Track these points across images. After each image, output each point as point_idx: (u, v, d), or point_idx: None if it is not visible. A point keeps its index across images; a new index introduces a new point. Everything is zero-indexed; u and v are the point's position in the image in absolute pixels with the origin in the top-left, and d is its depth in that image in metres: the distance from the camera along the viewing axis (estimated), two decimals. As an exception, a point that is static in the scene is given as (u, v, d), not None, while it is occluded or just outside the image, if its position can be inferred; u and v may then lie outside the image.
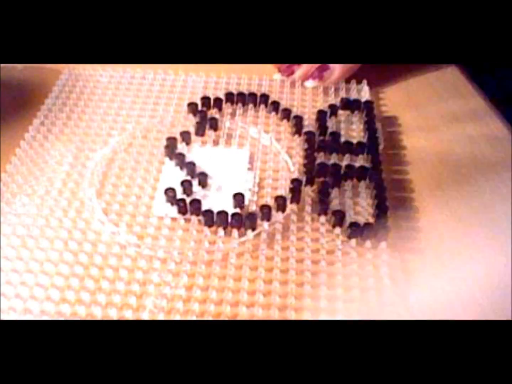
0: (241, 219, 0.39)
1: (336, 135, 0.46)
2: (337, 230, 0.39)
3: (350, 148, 0.45)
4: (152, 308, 0.35)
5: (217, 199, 0.42)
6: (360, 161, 0.45)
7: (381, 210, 0.40)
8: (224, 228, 0.39)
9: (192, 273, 0.37)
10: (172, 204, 0.41)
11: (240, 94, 0.50)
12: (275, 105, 0.50)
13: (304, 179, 0.42)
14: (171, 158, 0.45)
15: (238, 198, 0.40)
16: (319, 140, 0.46)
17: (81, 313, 0.34)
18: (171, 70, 0.54)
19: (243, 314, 0.35)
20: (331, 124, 0.48)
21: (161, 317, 0.34)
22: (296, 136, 0.48)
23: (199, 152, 0.46)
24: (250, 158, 0.45)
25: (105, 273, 0.36)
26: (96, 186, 0.42)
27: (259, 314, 0.35)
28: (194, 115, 0.49)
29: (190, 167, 0.43)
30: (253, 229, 0.39)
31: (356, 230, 0.39)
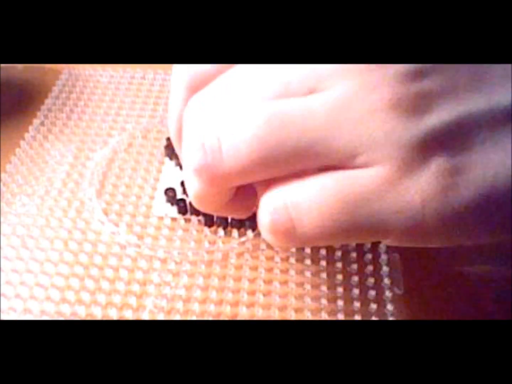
0: (241, 219, 0.39)
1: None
2: (337, 230, 0.39)
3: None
4: (152, 308, 0.35)
5: (217, 199, 0.42)
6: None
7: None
8: (224, 228, 0.39)
9: (192, 273, 0.37)
10: (172, 204, 0.41)
11: (240, 94, 0.50)
12: (275, 105, 0.50)
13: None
14: (171, 158, 0.45)
15: None
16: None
17: (81, 313, 0.34)
18: (171, 70, 0.54)
19: (243, 314, 0.35)
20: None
21: (161, 317, 0.34)
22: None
23: (199, 152, 0.46)
24: (250, 158, 0.45)
25: (105, 273, 0.36)
26: (96, 186, 0.42)
27: (259, 314, 0.35)
28: (194, 115, 0.49)
29: (190, 167, 0.43)
30: (253, 229, 0.39)
31: (356, 230, 0.39)
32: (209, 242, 0.39)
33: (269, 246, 0.38)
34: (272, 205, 0.26)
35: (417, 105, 0.24)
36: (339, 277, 0.36)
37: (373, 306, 0.35)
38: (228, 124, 0.27)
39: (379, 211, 0.24)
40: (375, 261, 0.38)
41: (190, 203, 0.40)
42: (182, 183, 0.41)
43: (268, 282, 0.36)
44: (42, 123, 0.48)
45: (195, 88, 0.32)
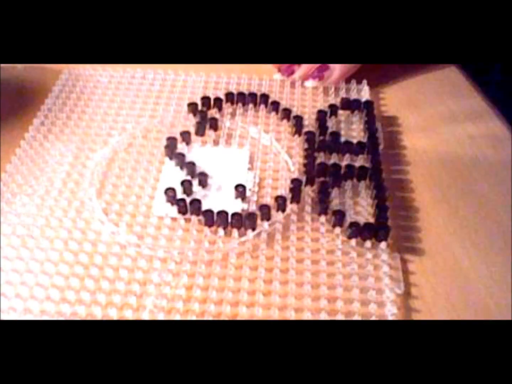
0: (241, 219, 0.39)
1: (336, 135, 0.46)
2: (337, 230, 0.39)
3: (350, 148, 0.45)
4: (152, 308, 0.35)
5: (217, 199, 0.42)
6: (360, 161, 0.45)
7: (381, 210, 0.40)
8: (224, 228, 0.39)
9: (192, 273, 0.37)
10: (172, 204, 0.41)
11: (240, 94, 0.50)
12: (275, 105, 0.50)
13: (304, 179, 0.42)
14: (171, 158, 0.45)
15: (240, 189, 0.41)
16: (319, 140, 0.46)
17: (81, 313, 0.34)
18: (171, 70, 0.54)
19: (243, 314, 0.35)
20: (331, 124, 0.48)
21: (161, 317, 0.34)
22: (296, 136, 0.48)
23: (199, 152, 0.46)
24: (250, 158, 0.45)
25: (105, 273, 0.36)
26: (96, 186, 0.42)
27: (259, 314, 0.35)
28: (194, 115, 0.49)
29: (190, 167, 0.43)
30: (253, 229, 0.39)
31: (356, 230, 0.39)
32: (209, 242, 0.39)
33: (269, 246, 0.38)
34: None
35: None
36: (339, 277, 0.36)
37: (373, 306, 0.35)
38: None
39: None
40: (375, 261, 0.38)
41: (190, 203, 0.40)
42: (182, 183, 0.41)
43: (268, 282, 0.36)
44: (42, 123, 0.48)
45: None
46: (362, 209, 0.41)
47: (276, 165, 0.45)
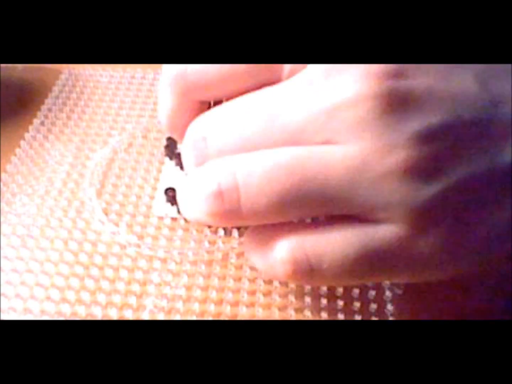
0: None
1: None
2: (337, 230, 0.39)
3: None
4: (152, 308, 0.35)
5: (217, 199, 0.42)
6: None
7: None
8: (224, 228, 0.39)
9: (192, 273, 0.37)
10: (172, 204, 0.41)
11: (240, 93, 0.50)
12: (275, 105, 0.50)
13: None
14: (171, 158, 0.45)
15: None
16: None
17: (81, 313, 0.34)
18: (171, 70, 0.54)
19: (243, 314, 0.35)
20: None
21: (161, 317, 0.34)
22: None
23: (199, 152, 0.46)
24: (250, 158, 0.45)
25: (105, 273, 0.36)
26: (96, 186, 0.42)
27: (259, 314, 0.35)
28: (195, 115, 0.49)
29: (190, 167, 0.43)
30: (253, 229, 0.39)
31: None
32: (209, 242, 0.39)
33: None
34: (292, 254, 0.28)
35: (429, 168, 0.25)
36: (339, 277, 0.36)
37: (373, 306, 0.35)
38: (245, 166, 0.27)
39: (394, 265, 0.27)
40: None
41: (190, 203, 0.40)
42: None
43: (268, 282, 0.36)
44: (42, 123, 0.48)
45: (189, 92, 0.33)
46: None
47: (276, 165, 0.45)
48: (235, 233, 0.39)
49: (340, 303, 0.35)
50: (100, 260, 0.37)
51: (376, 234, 0.27)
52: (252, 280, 0.36)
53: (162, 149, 0.45)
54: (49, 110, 0.49)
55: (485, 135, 0.26)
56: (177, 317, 0.34)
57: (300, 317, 0.35)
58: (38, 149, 0.45)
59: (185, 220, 0.40)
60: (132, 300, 0.35)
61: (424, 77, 0.28)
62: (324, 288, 0.36)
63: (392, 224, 0.26)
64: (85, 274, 0.36)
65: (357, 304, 0.35)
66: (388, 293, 0.36)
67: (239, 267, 0.37)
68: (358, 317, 0.34)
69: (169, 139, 0.45)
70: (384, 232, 0.26)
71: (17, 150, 0.45)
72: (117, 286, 0.36)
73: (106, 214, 0.40)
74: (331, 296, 0.35)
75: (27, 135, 0.46)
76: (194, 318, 0.34)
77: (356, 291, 0.36)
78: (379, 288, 0.36)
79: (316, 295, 0.35)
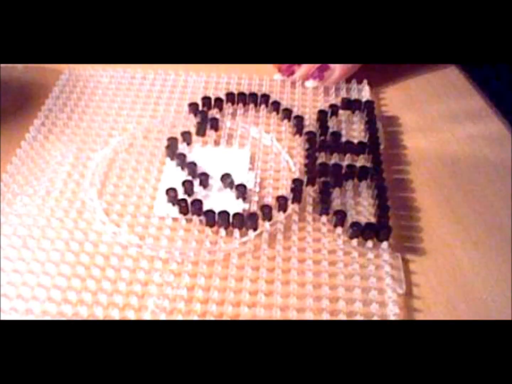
0: (243, 219, 0.39)
1: (337, 135, 0.46)
2: (339, 230, 0.39)
3: (351, 148, 0.45)
4: (154, 309, 0.35)
5: (218, 199, 0.42)
6: (361, 161, 0.45)
7: (382, 210, 0.40)
8: (226, 228, 0.39)
9: (194, 273, 0.37)
10: (173, 204, 0.41)
11: (241, 94, 0.50)
12: (276, 105, 0.50)
13: (305, 179, 0.42)
14: (172, 158, 0.45)
15: (240, 189, 0.41)
16: (320, 140, 0.46)
17: (83, 314, 0.34)
18: (172, 70, 0.54)
19: (245, 314, 0.35)
20: (332, 124, 0.48)
21: (163, 317, 0.34)
22: (297, 136, 0.48)
23: (200, 152, 0.46)
24: (251, 158, 0.45)
25: (106, 273, 0.36)
26: (97, 186, 0.42)
27: (261, 314, 0.35)
28: (195, 115, 0.49)
29: (191, 167, 0.43)
30: (255, 229, 0.39)
31: (358, 230, 0.39)
32: (211, 242, 0.39)
33: (271, 246, 0.38)
34: None
35: None
36: (341, 277, 0.36)
37: (375, 306, 0.35)
38: None
39: None
40: (377, 261, 0.38)
41: (192, 203, 0.40)
42: (183, 183, 0.41)
43: (270, 282, 0.36)
44: (43, 124, 0.48)
45: None
46: (363, 209, 0.41)
47: (277, 165, 0.45)
48: (236, 233, 0.39)
49: (342, 303, 0.35)
50: (101, 260, 0.37)
51: None
52: (254, 280, 0.36)
53: (163, 149, 0.45)
54: (50, 110, 0.49)
55: None
56: (179, 318, 0.34)
57: (301, 317, 0.35)
58: (39, 149, 0.45)
59: (186, 220, 0.40)
60: (134, 301, 0.35)
61: None
62: (326, 288, 0.36)
63: None
64: (86, 275, 0.36)
65: (359, 304, 0.35)
66: (389, 294, 0.36)
67: (241, 267, 0.37)
68: (360, 318, 0.34)
69: (170, 139, 0.45)
70: None
71: (18, 151, 0.44)
72: (119, 286, 0.36)
73: (107, 214, 0.40)
74: (333, 297, 0.35)
75: (27, 136, 0.46)
76: (196, 318, 0.34)
77: (357, 291, 0.36)
78: (380, 288, 0.36)
79: (318, 296, 0.35)
